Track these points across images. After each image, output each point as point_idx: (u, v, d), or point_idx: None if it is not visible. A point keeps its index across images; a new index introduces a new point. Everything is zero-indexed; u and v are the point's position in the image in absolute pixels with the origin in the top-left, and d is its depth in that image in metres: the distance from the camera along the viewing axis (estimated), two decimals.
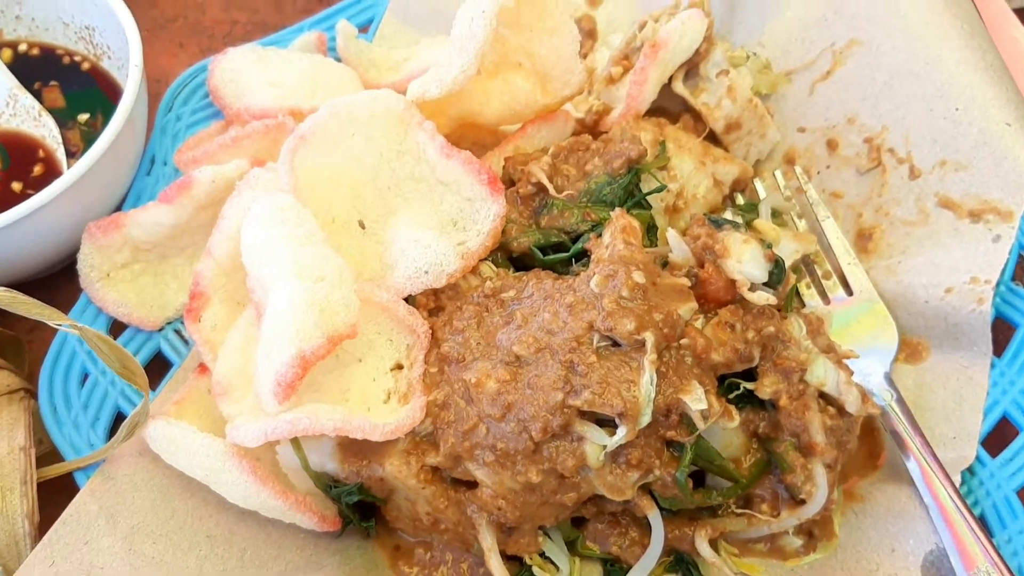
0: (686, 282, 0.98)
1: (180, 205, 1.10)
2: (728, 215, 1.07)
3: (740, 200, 1.25)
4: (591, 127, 1.28)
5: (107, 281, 1.13)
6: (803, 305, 1.16)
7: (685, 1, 1.31)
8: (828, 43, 1.29)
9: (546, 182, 1.08)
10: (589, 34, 1.37)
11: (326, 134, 1.06)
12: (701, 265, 1.01)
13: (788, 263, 1.10)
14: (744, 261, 0.99)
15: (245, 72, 1.24)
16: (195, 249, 1.16)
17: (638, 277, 0.94)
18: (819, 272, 1.19)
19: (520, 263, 1.11)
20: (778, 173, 1.26)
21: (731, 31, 1.34)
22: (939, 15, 1.24)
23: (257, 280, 0.98)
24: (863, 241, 1.21)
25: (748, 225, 1.10)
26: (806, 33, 1.31)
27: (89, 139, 1.24)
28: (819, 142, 1.28)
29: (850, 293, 1.17)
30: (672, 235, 1.02)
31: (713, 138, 1.27)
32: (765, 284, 1.01)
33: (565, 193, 1.09)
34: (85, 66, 1.31)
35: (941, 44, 1.22)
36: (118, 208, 1.22)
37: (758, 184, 1.25)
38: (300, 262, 0.96)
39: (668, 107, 1.31)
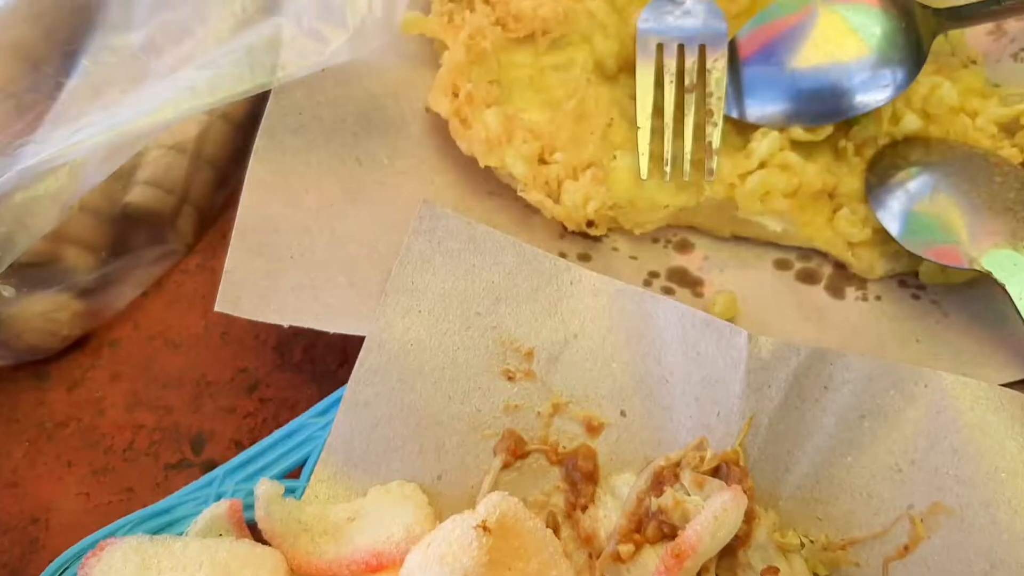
0: None
1: None
2: None
3: None
4: None
5: None
6: None
7: (712, 444, 1.01)
8: (904, 505, 0.98)
9: None
10: (588, 477, 1.05)
11: None
12: None
13: None
14: None
15: None
16: None
17: None
18: None
19: None
20: None
21: (777, 484, 1.02)
22: None
23: None
24: None
25: None
26: (873, 488, 0.99)
27: None
28: None
29: None
30: None
31: None
32: None
33: None
34: None
35: None
36: None
37: None
38: None
39: None
